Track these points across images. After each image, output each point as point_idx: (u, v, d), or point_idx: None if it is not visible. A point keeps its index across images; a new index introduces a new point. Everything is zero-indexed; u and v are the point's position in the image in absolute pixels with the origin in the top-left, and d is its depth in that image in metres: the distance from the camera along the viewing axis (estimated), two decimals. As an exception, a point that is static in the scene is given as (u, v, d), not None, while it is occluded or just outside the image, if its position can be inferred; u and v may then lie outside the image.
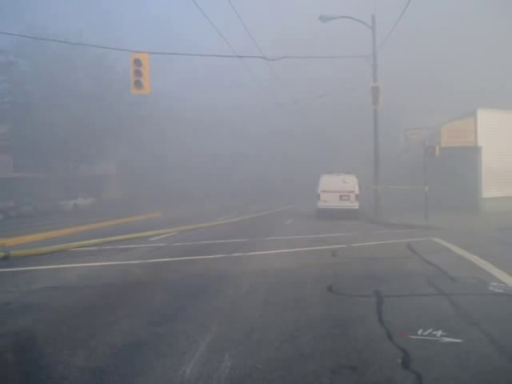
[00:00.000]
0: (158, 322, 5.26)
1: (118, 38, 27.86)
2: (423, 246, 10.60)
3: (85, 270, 8.92)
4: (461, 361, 3.95)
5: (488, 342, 4.36)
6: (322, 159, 40.28)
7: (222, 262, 9.28)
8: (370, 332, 4.72)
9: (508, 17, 34.48)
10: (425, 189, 16.51)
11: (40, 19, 30.75)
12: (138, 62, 13.47)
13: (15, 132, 32.71)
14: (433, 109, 30.76)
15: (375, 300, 5.89)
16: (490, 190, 18.36)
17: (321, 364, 3.95)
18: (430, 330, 4.63)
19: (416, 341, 4.40)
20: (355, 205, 19.44)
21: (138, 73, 13.47)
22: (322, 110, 38.38)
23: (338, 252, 10.17)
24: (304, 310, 5.58)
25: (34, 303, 6.34)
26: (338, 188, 19.62)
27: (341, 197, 19.56)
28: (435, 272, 7.64)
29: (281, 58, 17.71)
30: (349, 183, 19.69)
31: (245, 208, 28.67)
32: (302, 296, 6.26)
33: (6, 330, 5.17)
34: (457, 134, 18.79)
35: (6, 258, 10.04)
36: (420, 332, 4.61)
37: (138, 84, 13.59)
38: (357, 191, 19.54)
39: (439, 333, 4.56)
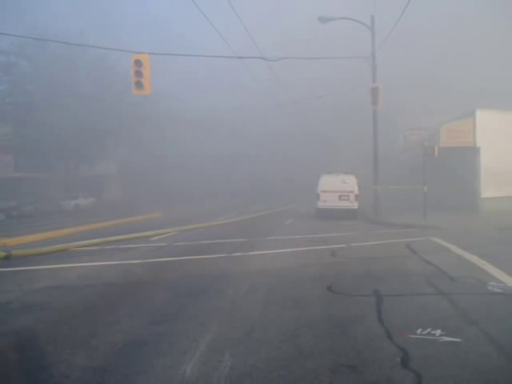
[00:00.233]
0: (159, 322, 5.28)
1: (119, 39, 27.98)
2: (422, 246, 10.62)
3: (85, 270, 8.95)
4: (460, 360, 3.97)
5: (487, 341, 4.38)
6: (321, 159, 40.32)
7: (222, 262, 9.31)
8: (370, 331, 4.74)
9: (507, 17, 34.50)
10: (424, 189, 16.54)
11: (41, 20, 30.80)
12: (138, 63, 13.49)
13: (16, 132, 32.74)
14: (432, 109, 30.82)
15: (375, 299, 5.92)
16: (488, 190, 18.39)
17: (320, 363, 3.97)
18: (429, 330, 4.65)
19: (415, 340, 4.43)
20: (354, 205, 19.48)
21: (138, 73, 13.50)
22: (322, 110, 38.41)
23: (337, 252, 10.20)
24: (304, 310, 5.60)
25: (35, 302, 6.36)
26: (338, 188, 19.66)
27: (340, 197, 19.60)
28: (434, 272, 7.67)
29: (280, 59, 17.78)
30: (348, 183, 19.73)
31: (245, 208, 28.68)
32: (301, 295, 6.29)
33: (8, 329, 5.20)
34: (456, 135, 18.82)
35: (7, 257, 10.07)
36: (419, 331, 4.63)
37: (139, 84, 13.62)
38: (356, 191, 19.58)
39: (438, 332, 4.58)
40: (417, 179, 18.01)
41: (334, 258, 9.56)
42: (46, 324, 5.39)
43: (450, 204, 19.48)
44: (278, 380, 3.72)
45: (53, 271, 8.83)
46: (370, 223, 17.40)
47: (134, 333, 4.95)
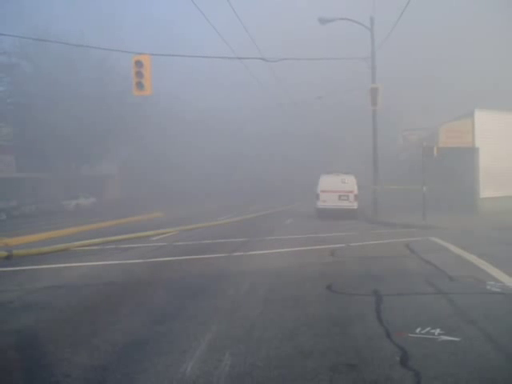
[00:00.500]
0: (159, 321, 5.31)
1: (119, 40, 27.98)
2: (421, 246, 10.65)
3: (86, 270, 8.98)
4: (458, 359, 3.99)
5: (485, 340, 4.41)
6: (321, 159, 40.31)
7: (223, 262, 9.34)
8: (369, 330, 4.76)
9: (506, 18, 34.52)
10: (423, 189, 16.58)
11: (42, 21, 30.80)
12: (139, 64, 13.51)
13: (17, 132, 32.76)
14: (431, 109, 30.84)
15: (374, 299, 5.94)
16: (487, 190, 18.42)
17: (320, 362, 4.00)
18: (428, 329, 4.68)
19: (414, 339, 4.45)
20: (354, 205, 19.52)
21: (139, 74, 13.51)
22: (322, 110, 38.45)
23: (337, 251, 10.22)
24: (303, 309, 5.63)
25: (36, 302, 6.39)
26: (337, 188, 19.71)
27: (340, 197, 19.64)
28: (433, 271, 7.69)
29: (280, 60, 17.81)
30: (348, 183, 19.77)
31: (245, 208, 28.71)
32: (301, 295, 6.31)
33: (9, 328, 5.23)
34: (454, 135, 18.85)
35: (8, 257, 10.11)
36: (418, 330, 4.66)
37: (140, 85, 13.63)
38: (355, 191, 19.62)
39: (437, 331, 4.61)
40: (416, 179, 18.05)
41: (333, 257, 9.58)
42: (47, 323, 5.41)
43: (448, 204, 19.52)
44: (278, 379, 3.74)
45: (54, 271, 8.86)
46: (370, 223, 17.42)
47: (135, 332, 4.98)
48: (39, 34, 24.73)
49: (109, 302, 6.36)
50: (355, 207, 19.53)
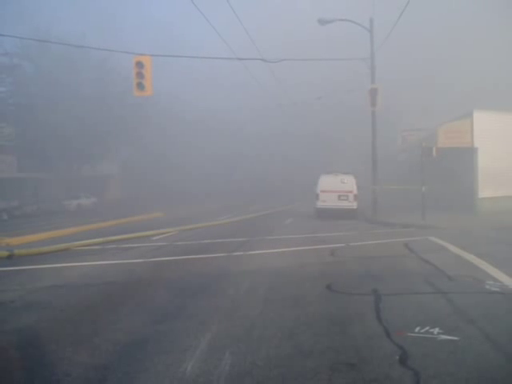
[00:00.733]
0: (160, 320, 5.33)
1: (120, 41, 28.01)
2: (420, 245, 10.67)
3: (87, 269, 9.00)
4: (457, 358, 4.01)
5: (484, 339, 4.43)
6: (321, 160, 40.36)
7: (223, 261, 9.36)
8: (368, 330, 4.79)
9: (505, 19, 34.56)
10: (422, 189, 16.61)
11: (43, 22, 30.82)
12: (140, 64, 13.53)
13: (19, 133, 32.80)
14: (430, 110, 30.87)
15: (373, 298, 5.96)
16: (486, 191, 18.44)
17: (320, 361, 4.02)
18: (427, 328, 4.70)
19: (413, 338, 4.47)
20: (353, 204, 19.56)
21: (140, 75, 13.53)
22: (321, 111, 38.50)
23: (336, 251, 10.25)
24: (303, 308, 5.65)
25: (37, 301, 6.42)
26: (337, 188, 19.74)
27: (339, 197, 19.67)
28: (432, 271, 7.71)
29: (280, 61, 17.84)
30: (347, 183, 19.81)
31: (245, 208, 28.73)
32: (301, 294, 6.33)
33: (10, 328, 5.25)
34: (453, 135, 18.87)
35: (10, 256, 10.14)
36: (417, 330, 4.67)
37: (140, 86, 13.65)
38: (355, 191, 19.65)
39: (436, 330, 4.62)
40: (415, 179, 18.08)
41: (333, 257, 9.60)
42: (48, 322, 5.44)
43: (448, 204, 19.55)
44: (278, 378, 3.75)
45: (55, 270, 8.88)
46: (369, 223, 17.45)
47: (135, 331, 5.00)
48: (41, 35, 24.82)
49: (109, 301, 6.39)
50: (355, 207, 19.56)
